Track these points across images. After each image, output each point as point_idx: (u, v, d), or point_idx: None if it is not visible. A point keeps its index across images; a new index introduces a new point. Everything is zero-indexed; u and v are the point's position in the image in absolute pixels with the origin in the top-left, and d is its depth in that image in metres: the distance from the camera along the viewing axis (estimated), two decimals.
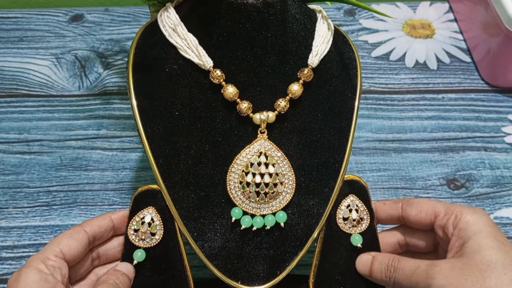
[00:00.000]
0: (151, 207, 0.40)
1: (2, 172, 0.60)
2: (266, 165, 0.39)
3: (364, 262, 0.40)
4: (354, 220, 0.41)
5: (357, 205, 0.42)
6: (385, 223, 0.44)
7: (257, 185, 0.38)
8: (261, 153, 0.39)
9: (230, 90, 0.38)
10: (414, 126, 0.67)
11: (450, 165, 0.62)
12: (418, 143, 0.65)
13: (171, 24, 0.40)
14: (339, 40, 0.45)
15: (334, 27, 0.44)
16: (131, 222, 0.40)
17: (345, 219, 0.41)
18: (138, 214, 0.40)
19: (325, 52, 0.41)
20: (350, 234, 0.41)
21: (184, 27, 0.39)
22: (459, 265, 0.34)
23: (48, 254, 0.36)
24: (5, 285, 0.35)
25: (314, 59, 0.40)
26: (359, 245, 0.41)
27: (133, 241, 0.40)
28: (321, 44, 0.41)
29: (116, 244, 0.41)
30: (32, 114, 0.67)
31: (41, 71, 0.72)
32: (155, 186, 0.40)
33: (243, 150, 0.39)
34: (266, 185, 0.38)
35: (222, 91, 0.38)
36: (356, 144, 0.64)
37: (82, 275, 0.40)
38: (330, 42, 0.42)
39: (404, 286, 0.37)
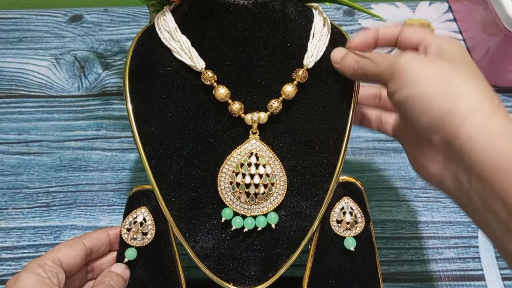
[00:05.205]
0: (144, 207, 0.41)
1: (1, 173, 0.61)
2: (257, 165, 0.38)
3: (339, 50, 0.41)
4: (347, 223, 0.41)
5: (351, 208, 0.41)
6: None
7: (247, 185, 0.38)
8: (252, 153, 0.39)
9: (222, 91, 0.38)
10: None
11: None
12: None
13: (167, 27, 0.40)
14: (338, 39, 0.44)
15: (334, 26, 0.44)
16: (124, 221, 0.41)
17: (338, 221, 0.41)
18: (131, 213, 0.41)
19: (322, 52, 0.41)
20: (344, 237, 0.40)
21: (178, 29, 0.39)
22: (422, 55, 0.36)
23: (46, 260, 0.37)
24: (4, 286, 0.36)
25: (309, 59, 0.39)
26: (352, 248, 0.40)
27: (125, 240, 0.40)
28: (317, 44, 0.40)
29: (110, 258, 0.42)
30: (32, 114, 0.67)
31: (40, 71, 0.72)
32: (149, 187, 0.41)
33: (234, 151, 0.39)
34: (256, 185, 0.38)
35: (213, 92, 0.38)
36: (356, 144, 0.64)
37: (76, 287, 0.41)
38: (327, 41, 0.42)
39: (369, 73, 0.37)
